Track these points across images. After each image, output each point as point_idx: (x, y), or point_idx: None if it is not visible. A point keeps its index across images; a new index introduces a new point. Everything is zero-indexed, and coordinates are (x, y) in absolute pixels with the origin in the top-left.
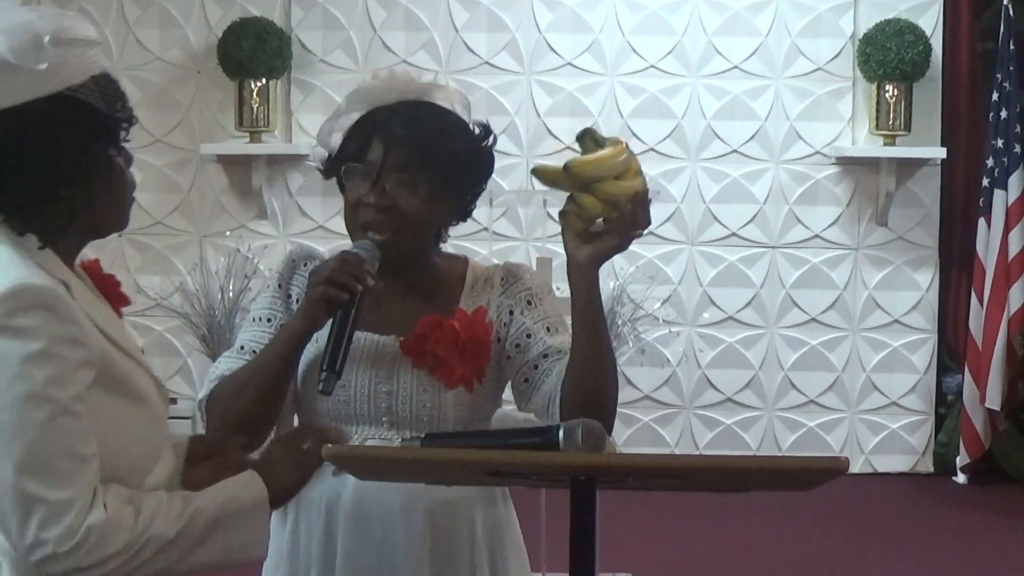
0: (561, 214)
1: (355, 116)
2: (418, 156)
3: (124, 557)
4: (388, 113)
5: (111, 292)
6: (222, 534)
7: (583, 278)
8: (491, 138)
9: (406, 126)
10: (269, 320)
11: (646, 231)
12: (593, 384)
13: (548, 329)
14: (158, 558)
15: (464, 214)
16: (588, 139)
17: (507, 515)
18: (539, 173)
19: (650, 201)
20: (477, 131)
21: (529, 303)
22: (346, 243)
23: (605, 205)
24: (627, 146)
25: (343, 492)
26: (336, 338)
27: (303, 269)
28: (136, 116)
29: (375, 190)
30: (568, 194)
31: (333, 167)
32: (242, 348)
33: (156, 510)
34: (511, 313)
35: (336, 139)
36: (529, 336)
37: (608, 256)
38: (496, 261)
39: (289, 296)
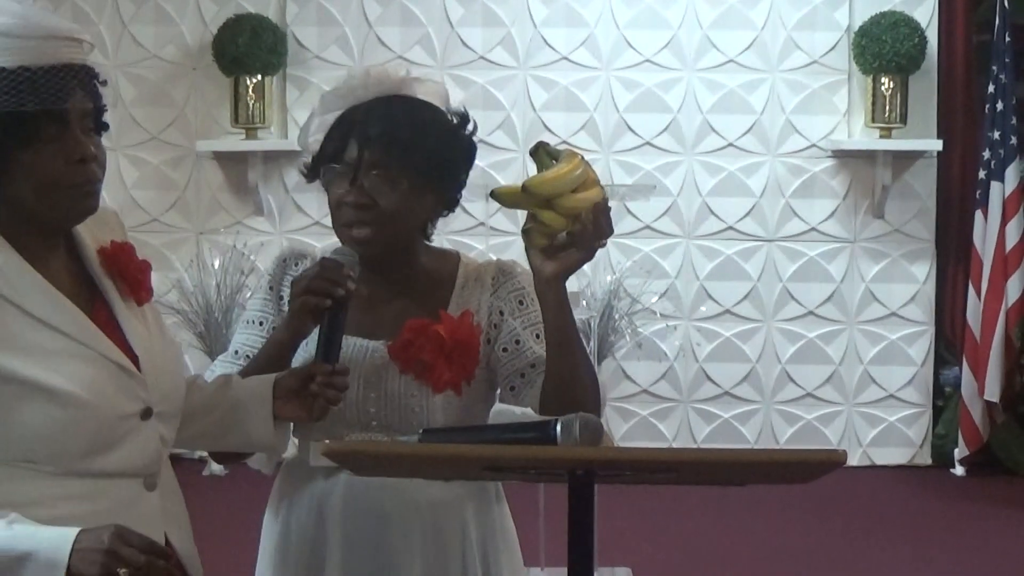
0: (524, 232)
1: (332, 117)
2: (393, 152)
3: None
4: (363, 112)
5: (125, 280)
6: None
7: (551, 292)
8: (469, 127)
9: (379, 123)
10: (261, 323)
11: (609, 239)
12: (570, 395)
13: (537, 336)
14: None
15: (450, 205)
16: (542, 152)
17: (500, 514)
18: (498, 195)
19: (610, 208)
20: (455, 121)
21: (521, 303)
22: None
23: (567, 219)
24: (582, 157)
25: (334, 492)
26: (325, 348)
27: (294, 269)
28: (64, 111)
29: (354, 189)
30: (528, 211)
31: (314, 170)
32: (236, 352)
33: None
34: (501, 314)
35: (316, 141)
36: (518, 343)
37: (574, 269)
38: (491, 256)
39: (280, 297)
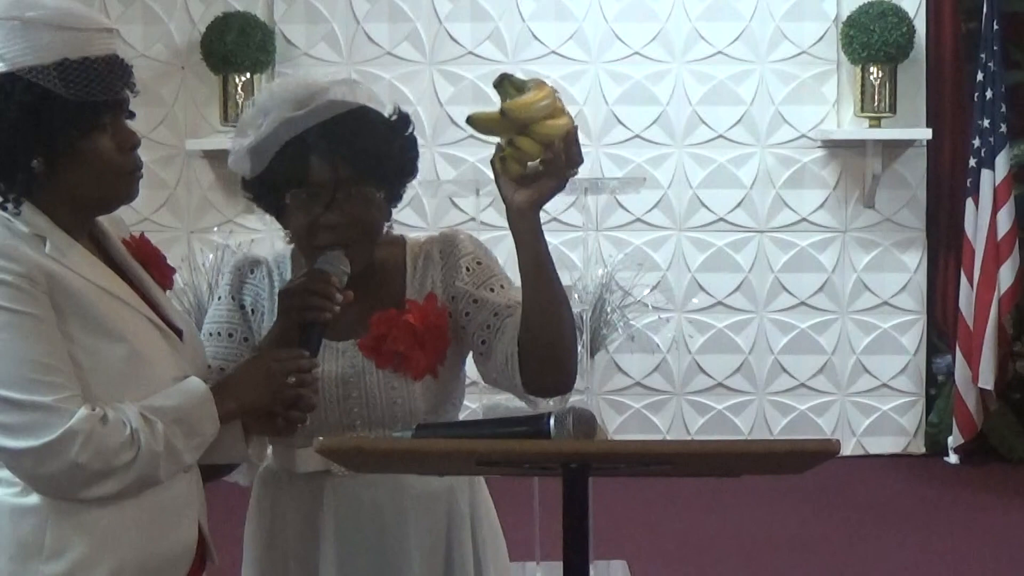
0: (499, 160)
1: (272, 140)
2: (363, 167)
3: (126, 457)
4: (318, 132)
5: (154, 266)
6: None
7: (526, 224)
8: (411, 124)
9: (344, 140)
10: (231, 335)
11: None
12: (550, 332)
13: (492, 289)
14: (153, 470)
15: (399, 200)
16: (507, 84)
17: (485, 498)
18: (475, 121)
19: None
20: (394, 119)
21: (468, 269)
22: None
23: (541, 146)
24: (552, 87)
25: (324, 495)
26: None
27: (251, 277)
28: (123, 102)
29: (332, 209)
30: (499, 141)
31: (271, 195)
32: (208, 367)
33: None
34: (454, 284)
35: (249, 161)
36: (476, 301)
37: (548, 198)
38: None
39: (243, 307)
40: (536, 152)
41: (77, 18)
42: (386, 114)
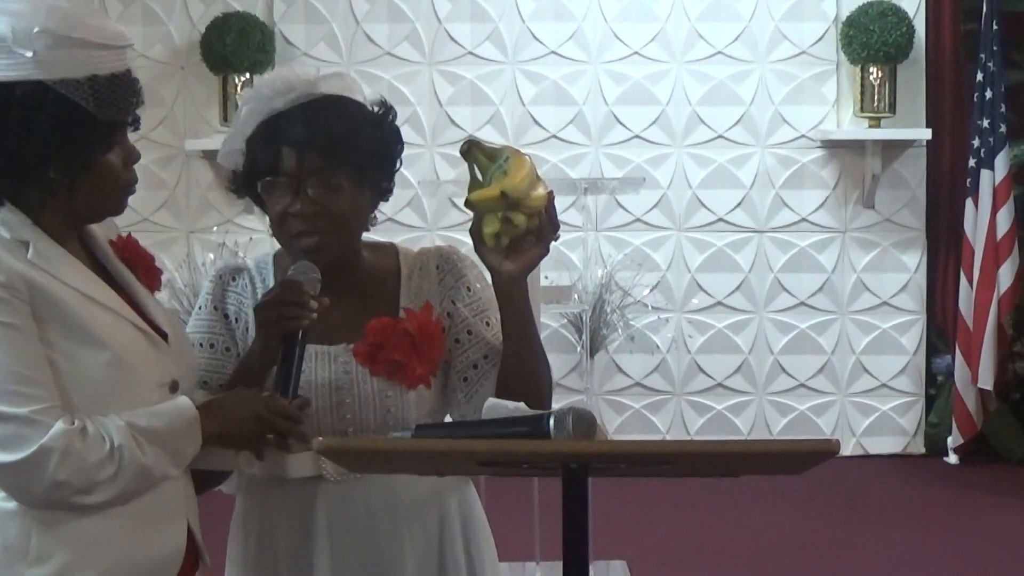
0: (492, 237)
1: (239, 128)
2: (333, 156)
3: (109, 471)
4: (290, 119)
5: (141, 267)
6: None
7: (516, 291)
8: (392, 114)
9: (312, 128)
10: (212, 346)
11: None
12: (528, 387)
13: (488, 323)
14: (140, 482)
15: (385, 195)
16: (476, 152)
17: (472, 495)
18: (476, 203)
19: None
20: (377, 110)
21: (468, 289)
22: None
23: (530, 218)
24: (526, 155)
25: (316, 500)
26: (284, 373)
27: (233, 285)
28: (137, 119)
29: (299, 199)
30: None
31: (245, 185)
32: (196, 370)
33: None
34: (454, 303)
35: (237, 156)
36: (470, 332)
37: (536, 265)
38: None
39: (226, 316)
40: (525, 224)
41: (110, 35)
42: (368, 107)
